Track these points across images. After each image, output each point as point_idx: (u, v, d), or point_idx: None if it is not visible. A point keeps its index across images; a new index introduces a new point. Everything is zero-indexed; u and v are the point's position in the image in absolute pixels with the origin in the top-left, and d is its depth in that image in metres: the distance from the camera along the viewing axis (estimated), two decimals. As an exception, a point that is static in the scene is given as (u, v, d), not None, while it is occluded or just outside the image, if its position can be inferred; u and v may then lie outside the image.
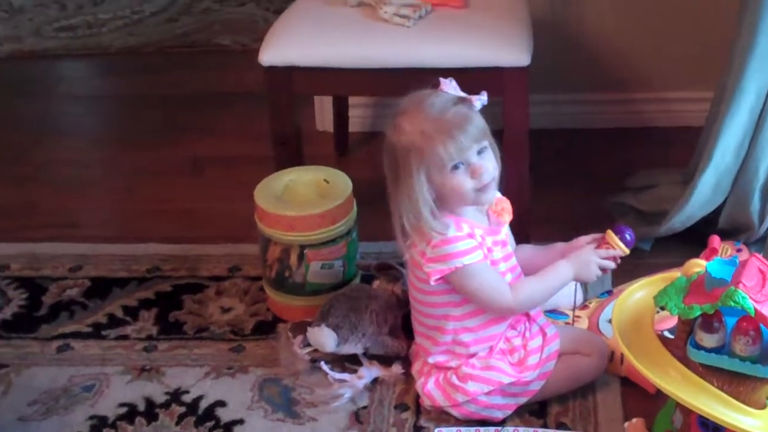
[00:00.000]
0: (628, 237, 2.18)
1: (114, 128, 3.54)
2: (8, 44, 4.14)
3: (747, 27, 2.43)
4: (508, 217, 2.21)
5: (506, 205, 2.22)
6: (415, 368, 2.28)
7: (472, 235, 2.12)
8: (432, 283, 2.12)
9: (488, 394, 2.17)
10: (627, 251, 2.19)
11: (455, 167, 2.07)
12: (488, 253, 2.15)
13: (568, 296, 2.40)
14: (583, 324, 2.36)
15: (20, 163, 3.30)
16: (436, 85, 2.11)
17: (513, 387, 2.18)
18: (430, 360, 2.22)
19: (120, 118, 3.60)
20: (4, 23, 4.33)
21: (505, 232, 2.22)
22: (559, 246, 2.26)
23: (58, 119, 3.63)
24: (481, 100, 2.10)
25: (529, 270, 2.24)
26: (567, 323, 2.35)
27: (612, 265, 2.19)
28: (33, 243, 2.84)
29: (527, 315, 2.25)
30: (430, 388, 2.21)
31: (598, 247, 2.18)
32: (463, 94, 2.10)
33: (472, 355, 2.19)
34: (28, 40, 4.17)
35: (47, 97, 3.75)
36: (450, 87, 2.11)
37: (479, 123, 2.08)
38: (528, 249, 2.32)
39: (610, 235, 2.18)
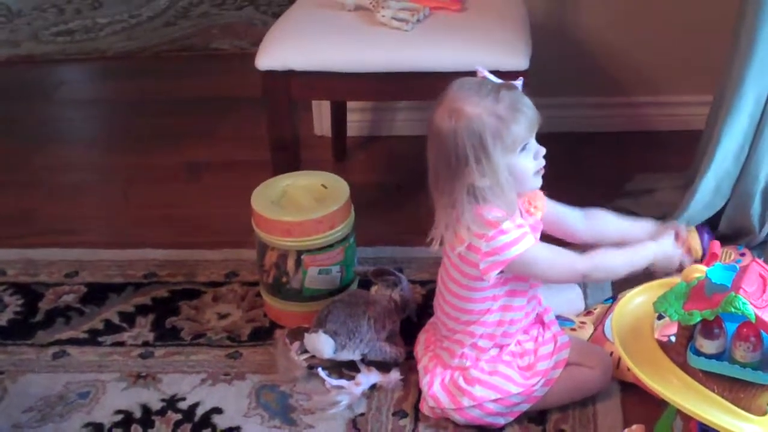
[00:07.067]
0: (707, 238, 2.23)
1: (111, 133, 3.53)
2: (5, 49, 4.13)
3: (745, 33, 2.42)
4: (540, 214, 2.19)
5: (540, 202, 2.21)
6: (422, 364, 2.26)
7: (521, 225, 2.09)
8: (492, 279, 2.08)
9: (495, 401, 2.15)
10: (700, 253, 2.18)
11: (523, 148, 2.05)
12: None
13: (571, 302, 2.40)
14: (589, 330, 2.35)
15: (17, 169, 3.28)
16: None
17: (518, 396, 2.16)
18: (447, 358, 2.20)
19: (117, 122, 3.59)
20: (1, 27, 4.32)
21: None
22: (648, 225, 2.24)
23: (55, 124, 3.62)
24: (519, 84, 2.10)
25: (607, 237, 2.21)
26: (572, 330, 2.33)
27: (688, 263, 2.15)
28: (29, 249, 2.82)
29: (541, 321, 2.24)
30: (435, 390, 2.19)
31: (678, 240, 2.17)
32: (501, 81, 2.08)
33: (484, 351, 2.17)
34: (25, 44, 4.16)
35: (44, 101, 3.74)
36: (488, 74, 2.10)
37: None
38: (609, 219, 2.28)
39: (694, 233, 2.19)
